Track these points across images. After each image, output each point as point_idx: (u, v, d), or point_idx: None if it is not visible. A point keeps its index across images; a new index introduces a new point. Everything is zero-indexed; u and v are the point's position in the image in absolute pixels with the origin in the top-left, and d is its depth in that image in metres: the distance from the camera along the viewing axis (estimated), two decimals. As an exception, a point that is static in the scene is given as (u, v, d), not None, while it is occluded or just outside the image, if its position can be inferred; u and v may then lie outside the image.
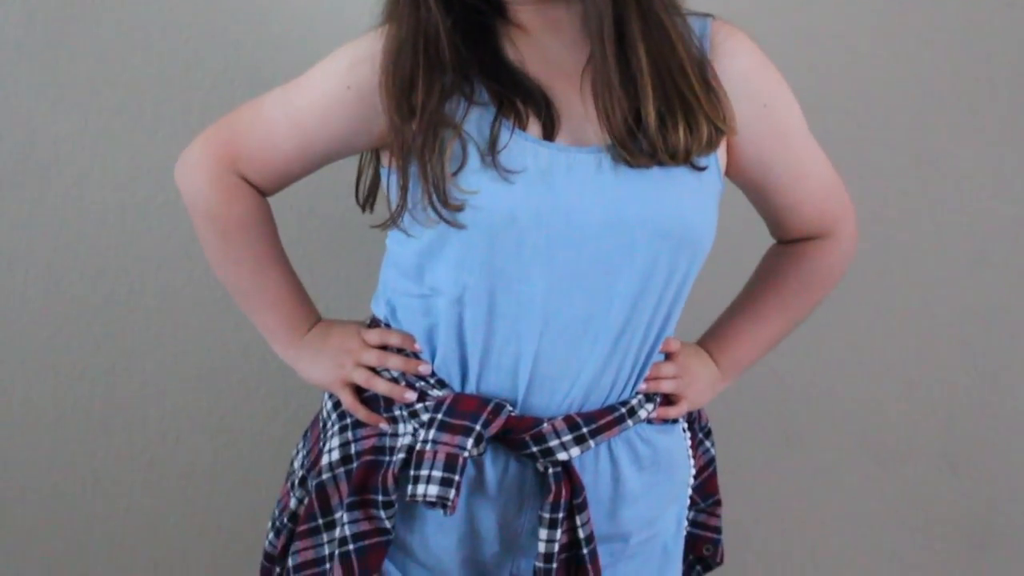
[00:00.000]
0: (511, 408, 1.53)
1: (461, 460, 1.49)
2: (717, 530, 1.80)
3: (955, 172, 2.24)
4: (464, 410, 1.52)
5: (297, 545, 1.62)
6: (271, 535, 1.71)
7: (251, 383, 2.27)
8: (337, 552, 1.57)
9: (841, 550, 2.39)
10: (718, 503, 1.80)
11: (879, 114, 2.21)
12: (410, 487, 1.50)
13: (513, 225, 1.47)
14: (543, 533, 1.53)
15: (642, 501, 1.62)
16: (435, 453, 1.50)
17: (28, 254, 2.20)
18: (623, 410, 1.57)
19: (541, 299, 1.49)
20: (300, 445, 1.74)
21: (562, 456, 1.53)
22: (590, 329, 1.52)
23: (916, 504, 2.36)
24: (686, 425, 1.73)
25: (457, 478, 1.48)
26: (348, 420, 1.64)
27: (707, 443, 1.78)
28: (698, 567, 1.83)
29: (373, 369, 1.62)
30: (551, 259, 1.48)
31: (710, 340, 1.77)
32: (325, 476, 1.61)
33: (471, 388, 1.55)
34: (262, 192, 1.64)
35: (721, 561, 1.82)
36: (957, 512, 2.36)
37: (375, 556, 1.58)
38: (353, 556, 1.57)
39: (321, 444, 1.66)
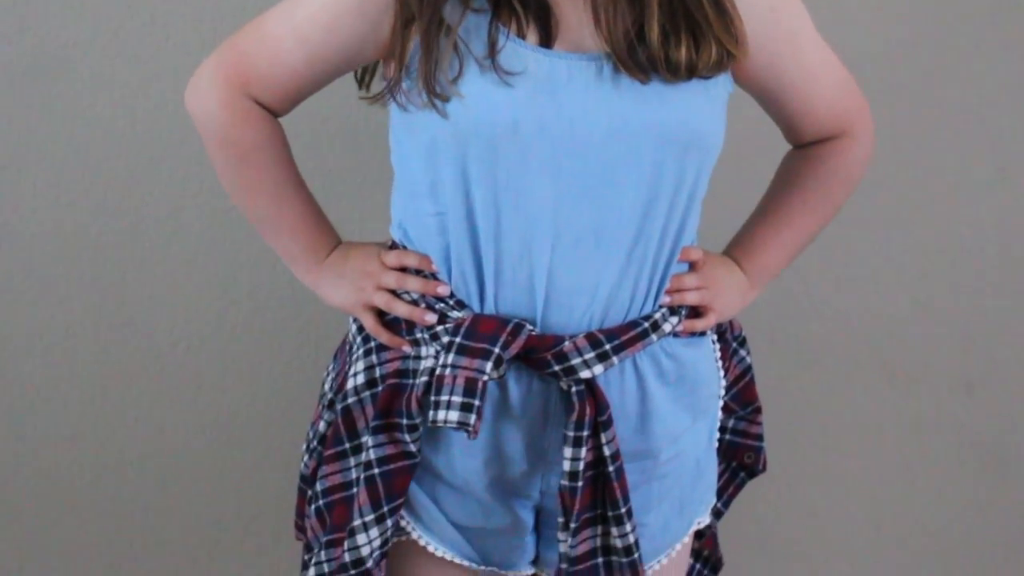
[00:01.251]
0: (531, 327, 1.53)
1: (480, 384, 1.48)
2: (758, 437, 1.81)
3: (975, 84, 2.21)
4: (483, 332, 1.51)
5: (324, 469, 1.63)
6: (305, 457, 1.71)
7: (261, 294, 2.27)
8: (363, 476, 1.58)
9: (855, 473, 2.39)
10: (758, 410, 1.80)
11: (895, 21, 2.19)
12: (431, 412, 1.49)
13: (516, 136, 1.46)
14: (568, 451, 1.53)
15: (668, 416, 1.62)
16: (454, 378, 1.49)
17: (37, 163, 2.18)
18: (646, 324, 1.56)
19: (549, 212, 1.49)
20: (331, 367, 1.74)
21: (585, 374, 1.52)
22: (602, 241, 1.51)
23: (932, 426, 2.36)
24: (716, 337, 1.72)
25: (477, 403, 1.48)
26: (372, 343, 1.63)
27: (742, 352, 1.78)
28: (741, 474, 1.84)
29: (394, 292, 1.61)
30: (557, 170, 1.47)
31: (736, 249, 1.76)
32: (351, 400, 1.61)
33: (489, 308, 1.55)
34: (274, 113, 1.62)
35: (764, 468, 1.83)
36: (973, 434, 2.36)
37: (400, 479, 1.58)
38: (379, 480, 1.57)
39: (347, 367, 1.66)
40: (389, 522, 1.58)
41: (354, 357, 1.65)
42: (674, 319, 1.59)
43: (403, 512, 1.64)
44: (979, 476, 2.38)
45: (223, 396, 2.31)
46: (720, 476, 1.82)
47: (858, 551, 2.43)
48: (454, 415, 1.47)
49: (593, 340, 1.53)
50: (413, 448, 1.57)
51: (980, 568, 2.43)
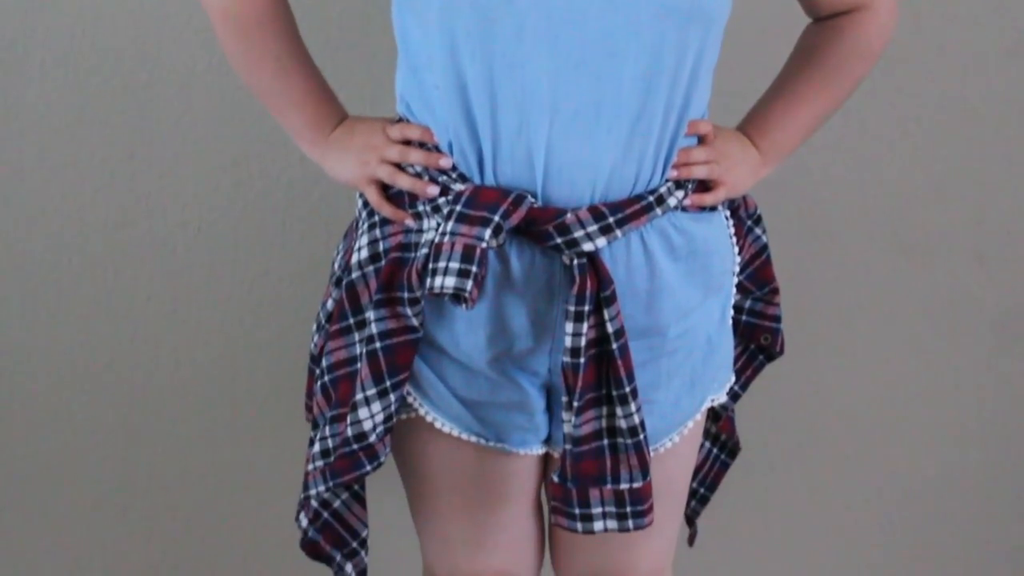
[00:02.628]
0: (533, 199, 1.52)
1: (478, 251, 1.47)
2: (775, 319, 1.81)
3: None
4: (484, 201, 1.50)
5: (329, 345, 1.64)
6: (315, 336, 1.72)
7: (271, 175, 2.26)
8: (365, 350, 1.58)
9: (866, 344, 2.40)
10: (775, 291, 1.80)
11: None
12: (428, 280, 1.49)
13: (511, 5, 1.44)
14: (569, 327, 1.53)
15: (678, 292, 1.61)
16: (452, 244, 1.48)
17: (45, 41, 2.17)
18: (651, 199, 1.55)
19: (546, 84, 1.47)
20: (340, 246, 1.74)
21: (587, 247, 1.52)
22: (603, 115, 1.49)
23: (943, 297, 2.35)
24: (728, 213, 1.71)
25: (474, 269, 1.47)
26: (376, 218, 1.63)
27: (757, 230, 1.77)
28: (760, 357, 1.84)
29: (398, 165, 1.61)
30: (554, 42, 1.46)
31: (749, 124, 1.74)
32: (355, 275, 1.62)
33: (489, 181, 1.54)
34: None
35: (782, 351, 1.83)
36: (985, 305, 2.35)
37: (403, 354, 1.59)
38: (380, 353, 1.58)
39: (353, 243, 1.66)
40: (392, 397, 1.59)
41: (359, 232, 1.65)
42: (680, 193, 1.58)
43: (409, 388, 1.65)
44: (992, 348, 2.37)
45: (234, 276, 2.31)
46: (737, 358, 1.82)
47: (872, 425, 2.44)
48: (451, 281, 1.46)
49: (596, 213, 1.52)
50: (415, 322, 1.57)
51: (995, 439, 2.44)
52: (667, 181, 1.58)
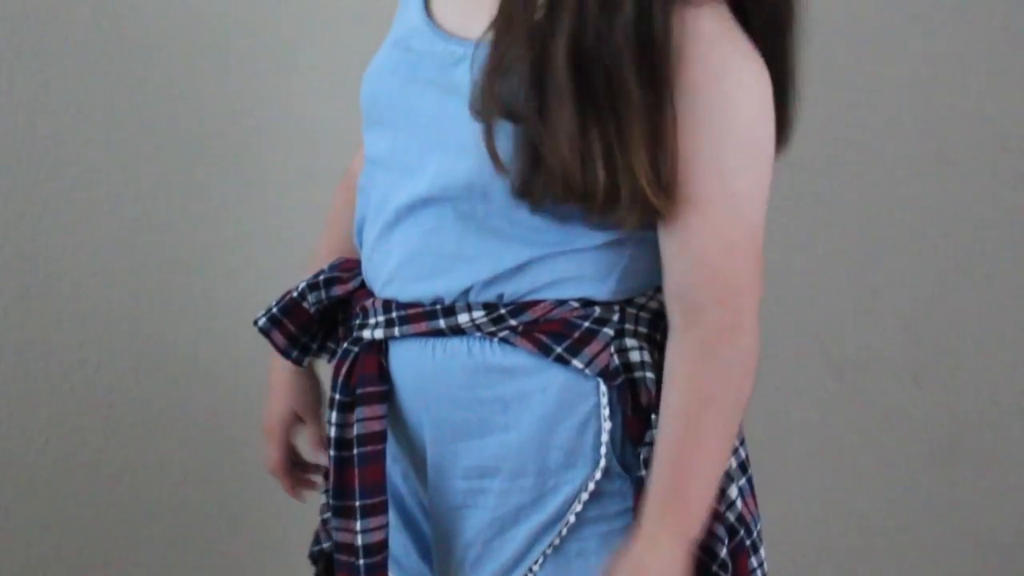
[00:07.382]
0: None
1: (288, 297, 1.55)
2: None
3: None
4: (339, 270, 1.56)
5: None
6: None
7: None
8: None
9: (800, 467, 2.37)
10: None
11: None
12: None
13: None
14: (328, 414, 1.49)
15: (472, 438, 1.46)
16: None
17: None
18: (437, 307, 1.43)
19: (381, 186, 1.49)
20: None
21: (365, 333, 1.47)
22: (400, 221, 1.45)
23: (878, 419, 2.34)
24: (607, 412, 1.41)
25: (274, 308, 1.55)
26: None
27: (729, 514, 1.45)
28: None
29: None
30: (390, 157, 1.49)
31: (642, 514, 1.39)
32: None
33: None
34: None
35: None
36: (921, 427, 2.34)
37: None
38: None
39: None
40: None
41: None
42: (479, 313, 1.42)
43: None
44: (929, 469, 2.36)
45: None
46: None
47: (809, 547, 2.40)
48: (262, 320, 1.57)
49: (387, 306, 1.46)
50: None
51: (930, 560, 2.41)
52: (480, 305, 1.43)
